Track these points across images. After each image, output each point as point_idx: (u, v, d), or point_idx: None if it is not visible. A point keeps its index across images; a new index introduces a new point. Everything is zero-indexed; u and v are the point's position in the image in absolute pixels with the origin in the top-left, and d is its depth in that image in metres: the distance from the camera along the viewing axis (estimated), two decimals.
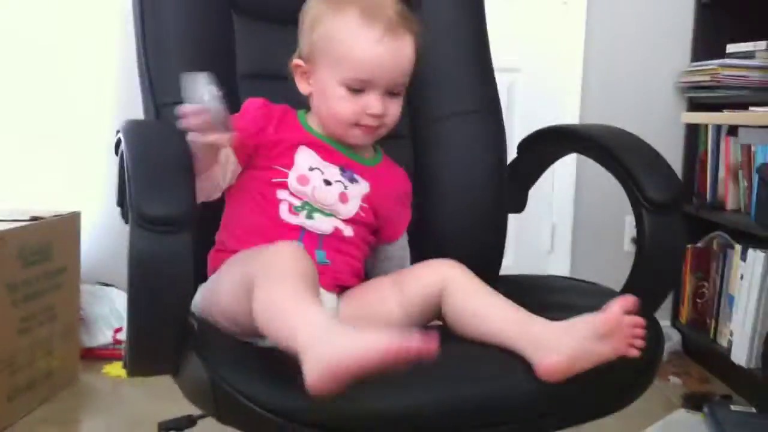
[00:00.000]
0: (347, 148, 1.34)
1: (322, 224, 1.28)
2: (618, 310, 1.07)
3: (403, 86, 1.31)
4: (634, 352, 1.07)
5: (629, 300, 1.08)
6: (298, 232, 1.26)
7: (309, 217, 1.27)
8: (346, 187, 1.31)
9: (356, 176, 1.33)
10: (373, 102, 1.28)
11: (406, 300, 1.23)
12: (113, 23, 2.73)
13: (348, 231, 1.30)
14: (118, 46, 2.71)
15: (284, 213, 1.27)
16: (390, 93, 1.29)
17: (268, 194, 1.28)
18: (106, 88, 2.77)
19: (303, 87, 1.34)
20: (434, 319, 1.24)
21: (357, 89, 1.27)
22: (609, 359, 1.07)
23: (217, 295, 1.19)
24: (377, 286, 1.28)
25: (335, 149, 1.33)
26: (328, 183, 1.29)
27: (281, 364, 1.06)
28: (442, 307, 1.21)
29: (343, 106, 1.28)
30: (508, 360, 1.11)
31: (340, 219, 1.29)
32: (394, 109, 1.31)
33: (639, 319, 1.08)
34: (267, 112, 1.32)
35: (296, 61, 1.33)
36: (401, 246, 1.42)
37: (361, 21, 1.25)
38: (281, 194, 1.28)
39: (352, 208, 1.31)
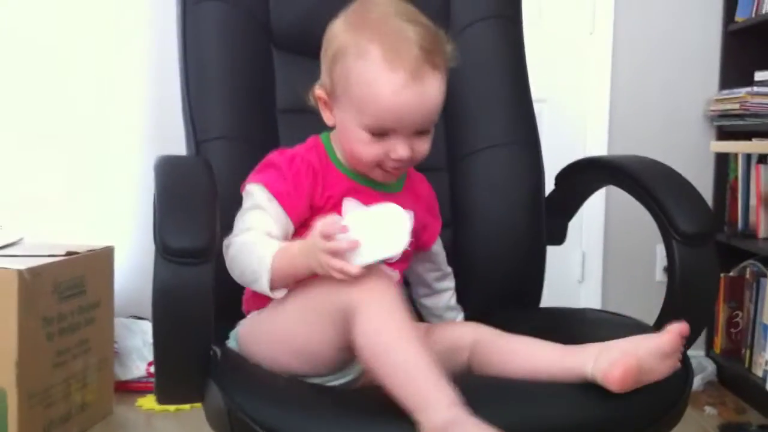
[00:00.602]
0: (383, 183, 1.29)
1: None
2: (677, 334, 1.11)
3: (432, 124, 1.23)
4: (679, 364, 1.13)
5: (685, 326, 1.12)
6: None
7: None
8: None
9: None
10: (398, 147, 1.20)
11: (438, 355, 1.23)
12: (146, 56, 2.78)
13: (395, 275, 1.28)
14: (154, 82, 2.76)
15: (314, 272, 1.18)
16: (417, 133, 1.21)
17: None
18: (141, 125, 2.81)
19: (327, 117, 1.28)
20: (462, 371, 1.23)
21: (380, 134, 1.20)
22: (666, 376, 1.11)
23: (279, 326, 1.18)
24: None
25: (373, 189, 1.28)
26: None
27: (300, 395, 1.08)
28: (478, 368, 1.21)
29: (366, 151, 1.21)
30: (555, 386, 1.12)
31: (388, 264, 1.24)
32: (422, 147, 1.23)
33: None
34: (311, 173, 1.25)
35: (318, 92, 1.27)
36: (436, 251, 1.41)
37: (384, 65, 1.15)
38: None
39: None
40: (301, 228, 1.24)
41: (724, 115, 2.78)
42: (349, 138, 1.23)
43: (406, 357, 1.02)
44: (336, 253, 1.06)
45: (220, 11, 1.46)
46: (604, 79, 2.91)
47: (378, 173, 1.25)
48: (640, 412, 1.12)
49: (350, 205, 1.26)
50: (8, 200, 2.73)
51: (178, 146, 1.45)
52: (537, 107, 2.76)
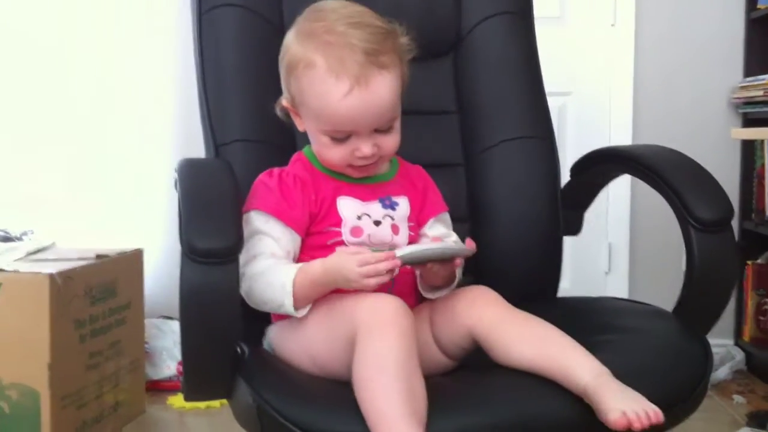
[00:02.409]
0: (372, 176, 1.32)
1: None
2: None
3: (391, 121, 1.26)
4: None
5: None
6: None
7: None
8: (393, 218, 1.30)
9: (393, 199, 1.32)
10: (361, 146, 1.25)
11: (442, 339, 1.25)
12: (170, 58, 2.82)
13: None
14: (178, 86, 2.80)
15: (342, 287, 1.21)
16: (379, 131, 1.26)
17: None
18: (170, 127, 2.85)
19: (298, 123, 1.33)
20: (472, 350, 1.24)
21: (341, 138, 1.25)
22: None
23: (302, 338, 1.22)
24: (418, 319, 1.25)
25: (367, 184, 1.32)
26: (378, 223, 1.29)
27: (328, 391, 1.10)
28: (483, 344, 1.21)
29: (332, 153, 1.27)
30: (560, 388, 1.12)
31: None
32: (388, 142, 1.27)
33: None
34: (299, 183, 1.29)
35: (284, 103, 1.32)
36: (443, 234, 1.40)
37: (329, 74, 1.20)
38: None
39: (404, 233, 1.32)
40: (308, 236, 1.28)
41: (749, 102, 2.76)
42: (316, 143, 1.29)
43: (383, 395, 1.04)
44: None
45: (235, 16, 1.48)
46: (627, 70, 2.90)
47: (351, 171, 1.29)
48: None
49: (345, 203, 1.29)
50: (30, 201, 2.79)
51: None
52: (561, 100, 2.84)
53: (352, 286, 1.15)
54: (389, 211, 1.31)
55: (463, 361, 1.26)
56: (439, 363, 1.25)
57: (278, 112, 1.34)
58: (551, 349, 1.14)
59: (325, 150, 1.28)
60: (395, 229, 1.31)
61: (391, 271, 1.14)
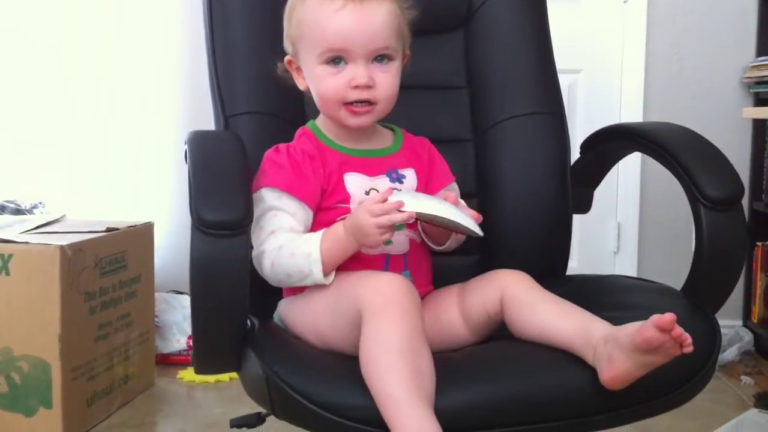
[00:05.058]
0: (377, 149, 1.34)
1: (399, 244, 1.29)
2: (653, 332, 1.03)
3: (388, 50, 1.26)
4: (688, 350, 1.05)
5: (664, 319, 1.03)
6: (383, 261, 1.27)
7: (386, 242, 1.25)
8: (400, 191, 1.28)
9: (400, 171, 1.32)
10: (356, 74, 1.24)
11: (471, 319, 1.25)
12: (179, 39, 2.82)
13: (417, 236, 1.32)
14: (185, 63, 2.80)
15: (363, 247, 1.23)
16: (376, 61, 1.26)
17: None
18: (179, 104, 2.85)
19: (299, 82, 1.34)
20: (498, 328, 1.25)
21: (336, 62, 1.25)
22: (664, 363, 1.07)
23: (309, 314, 1.24)
24: (446, 301, 1.28)
25: (372, 157, 1.32)
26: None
27: (336, 364, 1.10)
28: (506, 320, 1.22)
29: (327, 85, 1.26)
30: (574, 361, 1.13)
31: (406, 226, 1.28)
32: (384, 79, 1.26)
33: (677, 331, 1.03)
34: (307, 157, 1.29)
35: (287, 58, 1.33)
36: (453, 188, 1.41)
37: None
38: None
39: None
40: (317, 213, 1.28)
41: (761, 81, 2.75)
42: (315, 83, 1.28)
43: (388, 375, 1.04)
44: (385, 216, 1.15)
45: None
46: (638, 48, 2.88)
47: (346, 116, 1.28)
48: (654, 385, 1.13)
49: (352, 179, 1.29)
50: (51, 175, 2.80)
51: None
52: (572, 78, 2.83)
53: (370, 240, 1.17)
54: (396, 185, 1.31)
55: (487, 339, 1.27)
56: (462, 340, 1.26)
57: (280, 73, 1.35)
58: (574, 311, 1.17)
59: (322, 84, 1.27)
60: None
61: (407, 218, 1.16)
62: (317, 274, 1.20)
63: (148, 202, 2.83)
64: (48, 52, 2.81)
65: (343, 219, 1.24)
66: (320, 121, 1.35)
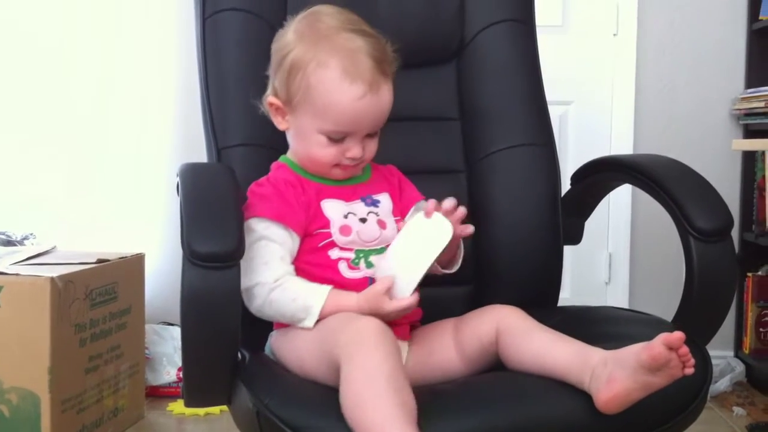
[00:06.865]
0: (349, 178, 1.36)
1: None
2: (661, 349, 1.04)
3: (380, 127, 1.33)
4: (689, 371, 1.06)
5: (673, 337, 1.04)
6: (366, 285, 1.28)
7: (368, 265, 1.29)
8: (377, 214, 1.34)
9: (374, 196, 1.36)
10: (353, 148, 1.30)
11: (465, 351, 1.26)
12: (174, 66, 2.82)
13: None
14: (181, 93, 2.81)
15: (345, 271, 1.29)
16: (368, 135, 1.32)
17: (322, 259, 1.30)
18: (172, 132, 2.85)
19: (278, 122, 1.36)
20: (493, 363, 1.25)
21: (337, 139, 1.30)
22: (664, 386, 1.07)
23: (296, 350, 1.25)
24: (440, 333, 1.30)
25: (343, 185, 1.35)
26: (363, 220, 1.32)
27: (327, 397, 1.10)
28: (500, 353, 1.23)
29: (324, 153, 1.31)
30: (568, 390, 1.13)
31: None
32: (372, 147, 1.34)
33: (684, 350, 1.05)
34: (289, 185, 1.32)
35: (271, 99, 1.34)
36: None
37: (343, 77, 1.26)
38: (333, 253, 1.30)
39: (391, 227, 1.34)
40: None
41: (750, 113, 2.77)
42: (308, 142, 1.32)
43: (373, 407, 1.04)
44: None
45: (238, 20, 1.49)
46: (628, 80, 2.90)
47: (336, 172, 1.34)
48: (646, 416, 1.13)
49: (330, 204, 1.32)
50: (30, 202, 2.80)
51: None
52: (562, 109, 2.85)
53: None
54: (372, 208, 1.34)
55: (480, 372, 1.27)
56: (455, 372, 1.27)
57: (262, 108, 1.37)
58: (570, 339, 1.18)
59: (317, 149, 1.31)
60: (382, 224, 1.33)
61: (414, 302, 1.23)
62: (307, 323, 1.23)
63: (139, 233, 2.81)
64: (48, 52, 2.81)
65: (326, 244, 1.29)
66: (293, 155, 1.38)
